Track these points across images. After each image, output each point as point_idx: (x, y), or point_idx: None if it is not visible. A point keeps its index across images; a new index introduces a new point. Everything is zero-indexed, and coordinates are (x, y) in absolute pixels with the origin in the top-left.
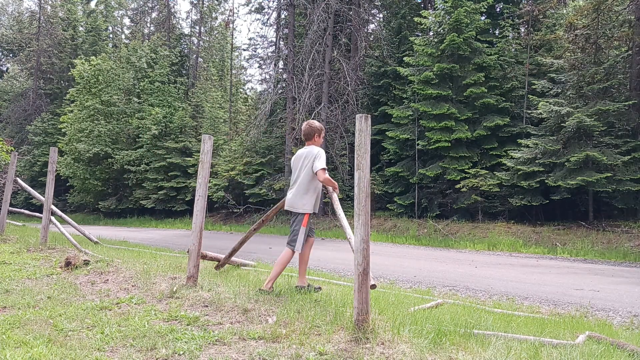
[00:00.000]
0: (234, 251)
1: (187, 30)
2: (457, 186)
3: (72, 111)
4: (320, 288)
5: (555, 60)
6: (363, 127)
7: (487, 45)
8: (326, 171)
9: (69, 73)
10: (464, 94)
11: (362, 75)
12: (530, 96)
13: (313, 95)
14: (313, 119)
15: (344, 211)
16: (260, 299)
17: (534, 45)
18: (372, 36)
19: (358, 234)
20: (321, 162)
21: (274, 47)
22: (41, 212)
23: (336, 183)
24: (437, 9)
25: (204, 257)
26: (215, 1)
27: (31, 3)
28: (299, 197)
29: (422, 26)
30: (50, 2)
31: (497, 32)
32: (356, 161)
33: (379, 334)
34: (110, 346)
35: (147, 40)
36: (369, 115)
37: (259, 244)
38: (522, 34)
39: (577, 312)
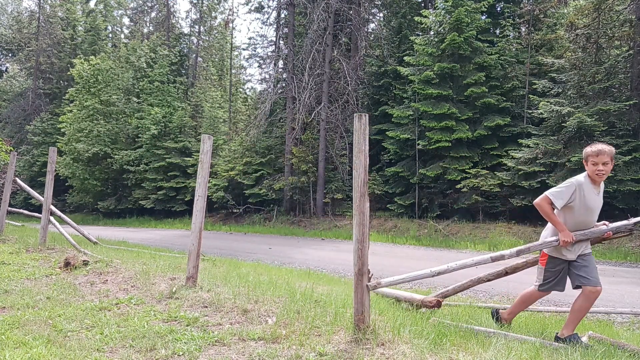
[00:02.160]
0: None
1: (186, 30)
2: (458, 186)
3: (71, 111)
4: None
5: (556, 59)
6: (357, 127)
7: (488, 44)
8: (552, 202)
9: (68, 73)
10: (465, 94)
11: (362, 75)
12: (531, 96)
13: (313, 95)
14: (313, 119)
15: (344, 211)
16: (260, 300)
17: (534, 44)
18: (372, 36)
19: (354, 234)
20: (554, 189)
21: (273, 46)
22: (40, 212)
23: (563, 227)
24: (438, 9)
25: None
26: (215, 0)
27: (30, 3)
28: (544, 230)
29: (423, 25)
30: (49, 2)
31: (497, 31)
32: (353, 161)
33: (379, 334)
34: (109, 347)
35: (146, 40)
36: (366, 114)
37: (259, 244)
38: (522, 34)
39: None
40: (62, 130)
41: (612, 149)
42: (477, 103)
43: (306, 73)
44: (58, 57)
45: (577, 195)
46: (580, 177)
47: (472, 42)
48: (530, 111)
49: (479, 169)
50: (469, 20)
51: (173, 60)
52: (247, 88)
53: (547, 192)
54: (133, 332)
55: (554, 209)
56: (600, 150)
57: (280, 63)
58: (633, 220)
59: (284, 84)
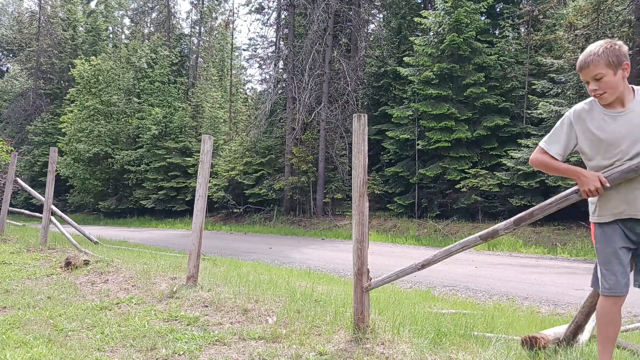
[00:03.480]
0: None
1: (187, 31)
2: (457, 186)
3: (72, 111)
4: None
5: (555, 60)
6: (356, 127)
7: (487, 45)
8: (546, 150)
9: (69, 73)
10: (464, 94)
11: (362, 75)
12: (530, 96)
13: (313, 95)
14: (313, 119)
15: (344, 211)
16: (261, 299)
17: (534, 45)
18: (372, 36)
19: (353, 234)
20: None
21: (274, 47)
22: (41, 212)
23: (575, 170)
24: (437, 9)
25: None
26: (215, 1)
27: (31, 3)
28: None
29: (422, 26)
30: (50, 2)
31: (497, 32)
32: (352, 161)
33: (379, 334)
34: (110, 346)
35: (147, 41)
36: (365, 115)
37: (259, 244)
38: (522, 34)
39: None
40: (63, 130)
41: (611, 47)
42: (477, 103)
43: (306, 73)
44: (59, 58)
45: (577, 130)
46: (580, 104)
47: (472, 42)
48: (529, 111)
49: (478, 169)
50: (469, 21)
51: (174, 61)
52: (248, 88)
53: (540, 142)
54: (134, 332)
55: (554, 159)
56: (582, 62)
57: (281, 63)
58: None
59: (284, 85)
